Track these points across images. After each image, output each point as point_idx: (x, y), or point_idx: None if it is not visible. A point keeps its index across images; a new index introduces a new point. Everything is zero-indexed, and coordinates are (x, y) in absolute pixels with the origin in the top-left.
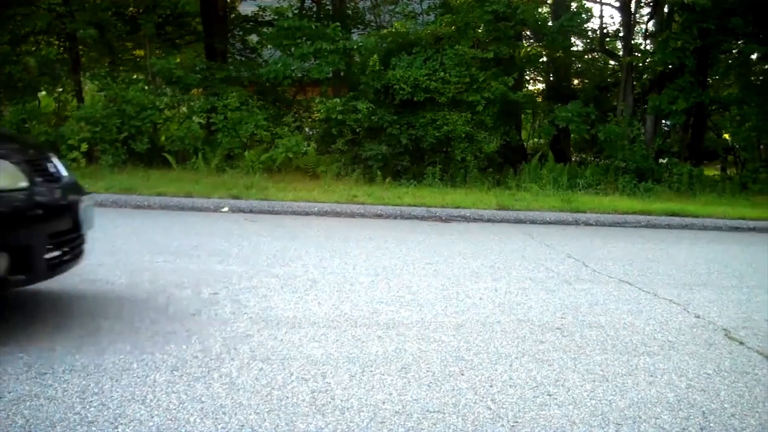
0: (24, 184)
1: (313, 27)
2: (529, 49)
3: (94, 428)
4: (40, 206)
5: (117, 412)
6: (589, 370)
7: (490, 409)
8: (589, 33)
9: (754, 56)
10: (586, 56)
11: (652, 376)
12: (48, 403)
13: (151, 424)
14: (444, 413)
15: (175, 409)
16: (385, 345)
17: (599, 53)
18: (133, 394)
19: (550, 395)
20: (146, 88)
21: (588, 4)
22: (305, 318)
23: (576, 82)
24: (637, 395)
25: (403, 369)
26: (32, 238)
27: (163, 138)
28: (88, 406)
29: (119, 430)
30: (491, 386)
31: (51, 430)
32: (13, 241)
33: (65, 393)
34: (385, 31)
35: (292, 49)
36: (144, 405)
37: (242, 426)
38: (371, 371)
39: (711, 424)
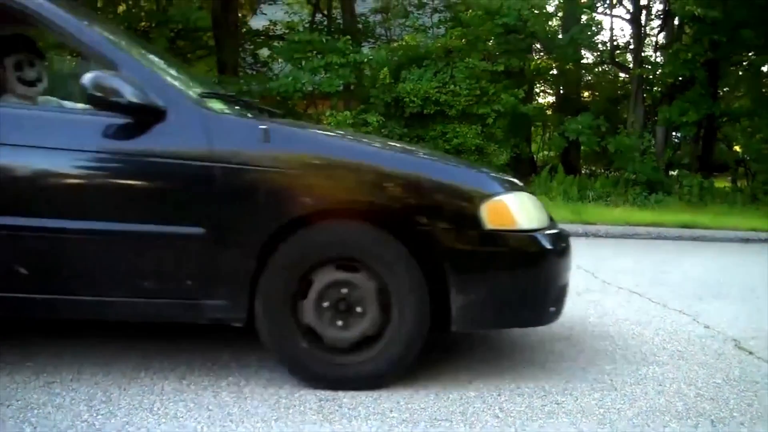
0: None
1: (324, 41)
2: (539, 62)
3: None
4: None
5: (124, 420)
6: (597, 380)
7: (498, 417)
8: (600, 45)
9: (765, 68)
10: (596, 69)
11: (660, 385)
12: (55, 411)
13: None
14: (451, 421)
15: (182, 417)
16: None
17: (609, 66)
18: (141, 403)
19: (558, 404)
20: None
21: (598, 17)
22: None
23: (586, 94)
24: (646, 404)
25: (411, 377)
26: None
27: None
28: (95, 414)
29: None
30: (499, 395)
31: None
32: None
33: (72, 401)
34: (395, 44)
35: (303, 62)
36: (152, 413)
37: None
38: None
39: None
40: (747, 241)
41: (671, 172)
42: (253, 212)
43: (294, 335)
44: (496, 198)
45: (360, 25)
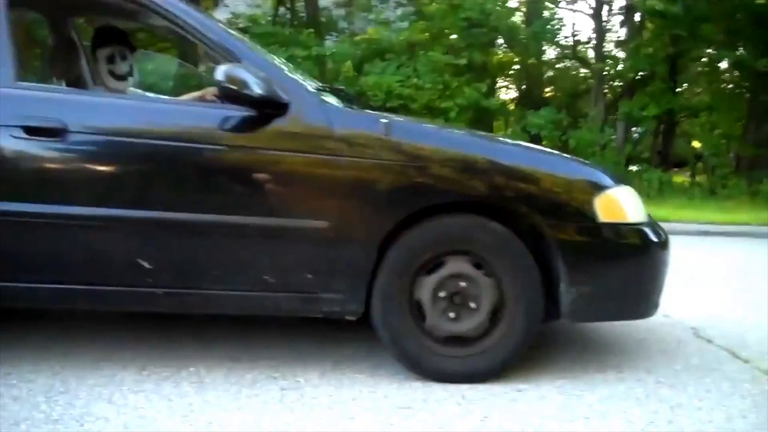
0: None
1: (287, 33)
2: (502, 57)
3: (59, 426)
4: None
5: (83, 410)
6: (558, 367)
7: (460, 404)
8: (562, 41)
9: (724, 64)
10: (558, 64)
11: (621, 372)
12: (12, 402)
13: (118, 421)
14: (414, 409)
15: (142, 407)
16: (356, 344)
17: (571, 61)
18: (100, 393)
19: (519, 391)
20: None
21: (560, 13)
22: None
23: (548, 89)
24: (607, 391)
25: (374, 366)
26: None
27: None
28: (53, 405)
29: (85, 428)
30: (461, 383)
31: (15, 429)
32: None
33: (30, 392)
34: (358, 37)
35: None
36: (111, 404)
37: (210, 423)
38: (341, 369)
39: (679, 417)
40: (705, 233)
41: (631, 167)
42: (375, 205)
43: (409, 327)
44: (608, 191)
45: (323, 19)
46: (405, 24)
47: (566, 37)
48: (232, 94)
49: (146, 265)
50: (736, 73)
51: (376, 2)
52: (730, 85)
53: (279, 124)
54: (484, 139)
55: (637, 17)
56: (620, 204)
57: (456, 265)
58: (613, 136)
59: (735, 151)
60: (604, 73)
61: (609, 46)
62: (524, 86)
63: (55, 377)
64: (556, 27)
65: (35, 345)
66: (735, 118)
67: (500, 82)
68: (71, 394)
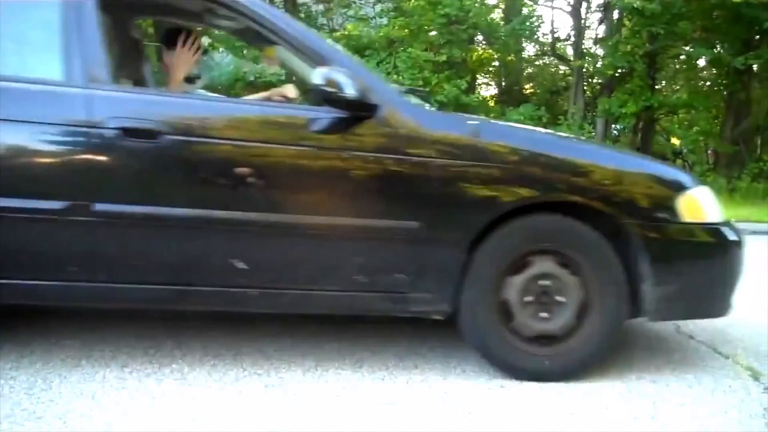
0: None
1: None
2: (481, 53)
3: (42, 423)
4: None
5: (65, 408)
6: None
7: (443, 400)
8: (541, 38)
9: (701, 61)
10: (537, 61)
11: (603, 368)
12: None
13: (100, 419)
14: (398, 404)
15: (124, 404)
16: (339, 341)
17: (551, 57)
18: (83, 391)
19: (502, 387)
20: None
21: (539, 10)
22: None
23: (528, 86)
24: (589, 386)
25: (357, 362)
26: None
27: None
28: (35, 402)
29: (68, 425)
30: (444, 379)
31: None
32: None
33: (12, 390)
34: (337, 34)
35: (245, 51)
36: (93, 401)
37: (193, 420)
38: (325, 366)
39: (661, 413)
40: None
41: None
42: (465, 206)
43: (496, 326)
44: (690, 191)
45: (302, 15)
46: (384, 20)
47: (545, 34)
48: (329, 97)
49: (241, 265)
50: (714, 71)
51: None
52: (708, 83)
53: (369, 126)
54: (567, 140)
55: (615, 14)
56: (701, 204)
57: (543, 264)
58: (593, 133)
59: (713, 147)
60: (583, 70)
61: (588, 44)
62: (504, 83)
63: (37, 375)
64: (535, 24)
65: (16, 343)
66: (713, 115)
67: (480, 79)
68: (53, 391)
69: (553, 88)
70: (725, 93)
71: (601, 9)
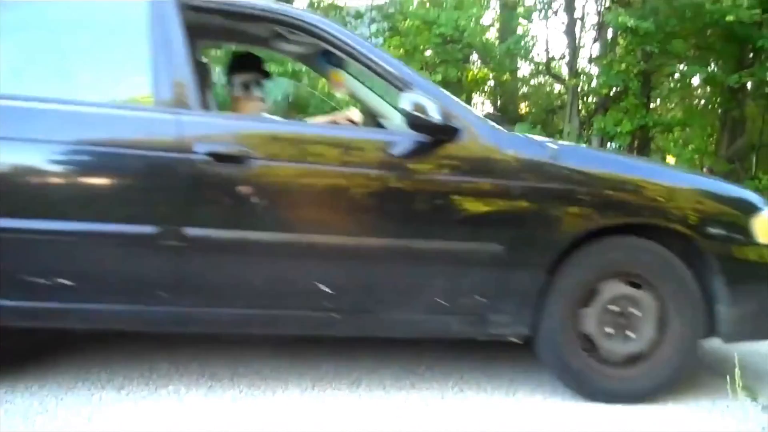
0: None
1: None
2: (476, 73)
3: None
4: None
5: (62, 431)
6: (537, 383)
7: (441, 419)
8: (536, 57)
9: (696, 80)
10: (532, 80)
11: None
12: None
13: None
14: (395, 423)
15: (121, 427)
16: (336, 361)
17: (546, 76)
18: (79, 413)
19: (499, 406)
20: None
21: (534, 30)
22: None
23: (523, 105)
24: (582, 408)
25: (356, 382)
26: None
27: None
28: (31, 425)
29: None
30: (442, 398)
31: None
32: None
33: (7, 413)
34: None
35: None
36: (90, 422)
37: None
38: (321, 386)
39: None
40: None
41: None
42: (547, 228)
43: (574, 348)
44: (764, 212)
45: None
46: (380, 40)
47: (540, 54)
48: (416, 121)
49: (326, 289)
50: (708, 89)
51: (350, 18)
52: (702, 101)
53: (451, 150)
54: (643, 162)
55: (609, 34)
56: None
57: (620, 286)
58: None
59: (708, 165)
60: (578, 89)
61: (582, 63)
62: (499, 102)
63: (33, 397)
64: (530, 43)
65: (11, 365)
66: (708, 133)
67: (476, 98)
68: (50, 414)
69: (548, 107)
70: (720, 111)
71: (596, 28)
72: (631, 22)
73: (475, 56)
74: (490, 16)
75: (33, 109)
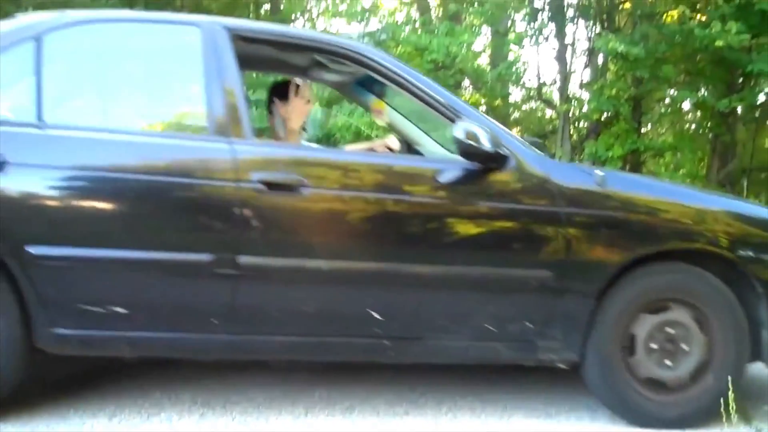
0: None
1: (254, 76)
2: (469, 98)
3: None
4: None
5: None
6: (531, 408)
7: None
8: (527, 83)
9: (686, 105)
10: (524, 105)
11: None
12: None
13: None
14: None
15: None
16: (329, 387)
17: (537, 102)
18: None
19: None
20: None
21: (525, 56)
22: None
23: (515, 130)
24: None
25: (347, 409)
26: None
27: None
28: None
29: None
30: (436, 423)
31: None
32: None
33: None
34: None
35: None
36: None
37: None
38: (314, 413)
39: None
40: None
41: None
42: (595, 254)
43: (623, 374)
44: None
45: None
46: None
47: (531, 79)
48: (469, 150)
49: (377, 316)
50: (699, 113)
51: None
52: (693, 125)
53: (500, 177)
54: (688, 188)
55: (600, 59)
56: None
57: (667, 312)
58: None
59: (699, 190)
60: (570, 114)
61: (573, 88)
62: None
63: (24, 426)
64: (521, 69)
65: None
66: (699, 157)
67: None
68: None
69: (540, 132)
70: (710, 135)
71: (586, 54)
72: (621, 48)
73: (467, 82)
74: (482, 42)
75: (87, 139)
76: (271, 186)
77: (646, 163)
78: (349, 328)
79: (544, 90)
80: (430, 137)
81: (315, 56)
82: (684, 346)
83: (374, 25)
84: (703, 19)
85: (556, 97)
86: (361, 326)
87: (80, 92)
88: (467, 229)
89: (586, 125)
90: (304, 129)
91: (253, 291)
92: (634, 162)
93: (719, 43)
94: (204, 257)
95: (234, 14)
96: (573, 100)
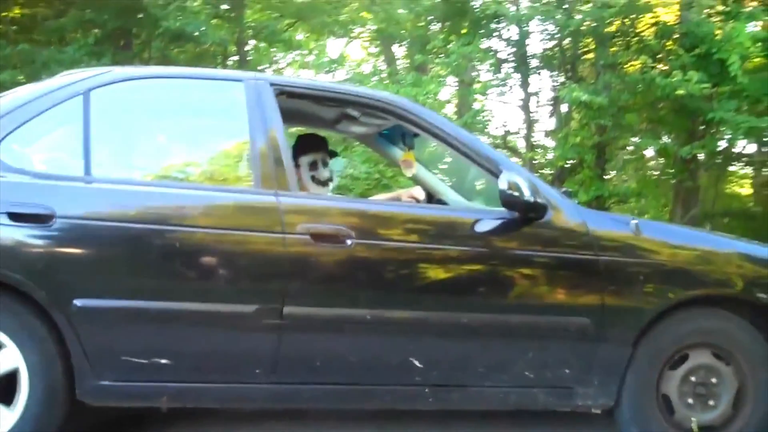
0: None
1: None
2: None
3: None
4: None
5: None
6: None
7: None
8: (492, 131)
9: (649, 152)
10: None
11: None
12: None
13: None
14: None
15: None
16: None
17: (503, 150)
18: None
19: None
20: None
21: (490, 105)
22: None
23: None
24: None
25: None
26: None
27: None
28: None
29: None
30: None
31: None
32: None
33: None
34: (293, 129)
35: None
36: None
37: None
38: None
39: None
40: None
41: None
42: (632, 301)
43: (657, 419)
44: None
45: None
46: None
47: (497, 128)
48: (511, 200)
49: (417, 363)
50: (662, 160)
51: None
52: (656, 172)
53: (539, 227)
54: (720, 236)
55: (564, 108)
56: None
57: (699, 357)
58: None
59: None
60: (535, 161)
61: (538, 136)
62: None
63: None
64: (487, 118)
65: None
66: (662, 203)
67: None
68: None
69: None
70: (673, 181)
71: (550, 103)
72: (584, 97)
73: None
74: (448, 92)
75: (133, 192)
76: (316, 237)
77: (610, 209)
78: (391, 375)
79: (509, 138)
80: (451, 187)
81: (347, 110)
82: (716, 390)
83: (341, 75)
84: (665, 68)
85: (521, 145)
86: (403, 374)
87: (127, 147)
88: (507, 277)
89: (551, 172)
90: (330, 180)
91: (297, 341)
92: (598, 208)
93: (680, 91)
94: (249, 308)
95: (201, 65)
96: (538, 148)
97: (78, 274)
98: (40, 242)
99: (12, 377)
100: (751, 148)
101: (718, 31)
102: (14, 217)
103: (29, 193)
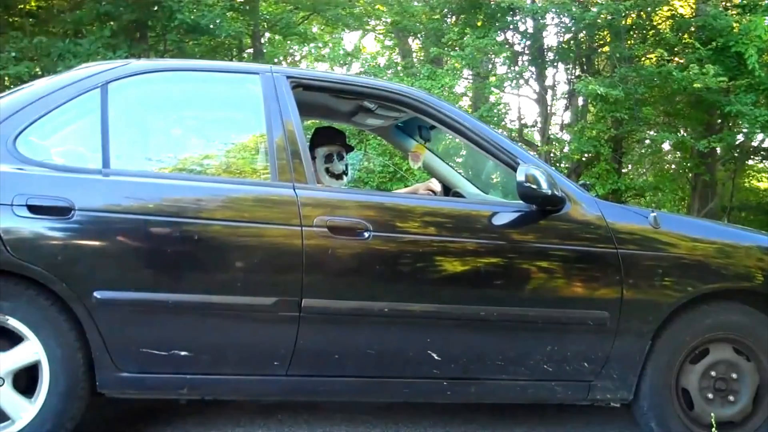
0: None
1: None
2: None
3: None
4: None
5: None
6: None
7: None
8: (509, 124)
9: (666, 145)
10: None
11: None
12: None
13: None
14: None
15: None
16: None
17: (519, 143)
18: None
19: None
20: None
21: (506, 98)
22: None
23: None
24: None
25: None
26: None
27: None
28: None
29: None
30: None
31: None
32: None
33: None
34: (309, 122)
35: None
36: None
37: None
38: None
39: None
40: None
41: None
42: (651, 294)
43: (675, 413)
44: None
45: None
46: None
47: (512, 121)
48: (529, 192)
49: (435, 356)
50: (678, 154)
51: None
52: (673, 165)
53: (557, 220)
54: (741, 229)
55: (580, 101)
56: None
57: (720, 352)
58: None
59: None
60: (551, 155)
61: (554, 129)
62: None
63: None
64: (503, 111)
65: None
66: (679, 197)
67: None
68: None
69: None
70: (690, 175)
71: (567, 96)
72: (600, 90)
73: None
74: (463, 85)
75: (151, 184)
76: (334, 230)
77: (627, 202)
78: (408, 369)
79: (525, 131)
80: (468, 180)
81: (364, 102)
82: (736, 386)
83: (356, 68)
84: (681, 61)
85: (537, 139)
86: (420, 367)
87: (144, 139)
88: (525, 270)
89: (567, 166)
90: (345, 173)
91: (315, 333)
92: (615, 202)
93: (697, 84)
94: (267, 300)
95: (216, 57)
96: (554, 141)
97: (97, 267)
98: (59, 234)
99: (33, 369)
100: None
101: (735, 24)
102: (34, 209)
103: (48, 186)
